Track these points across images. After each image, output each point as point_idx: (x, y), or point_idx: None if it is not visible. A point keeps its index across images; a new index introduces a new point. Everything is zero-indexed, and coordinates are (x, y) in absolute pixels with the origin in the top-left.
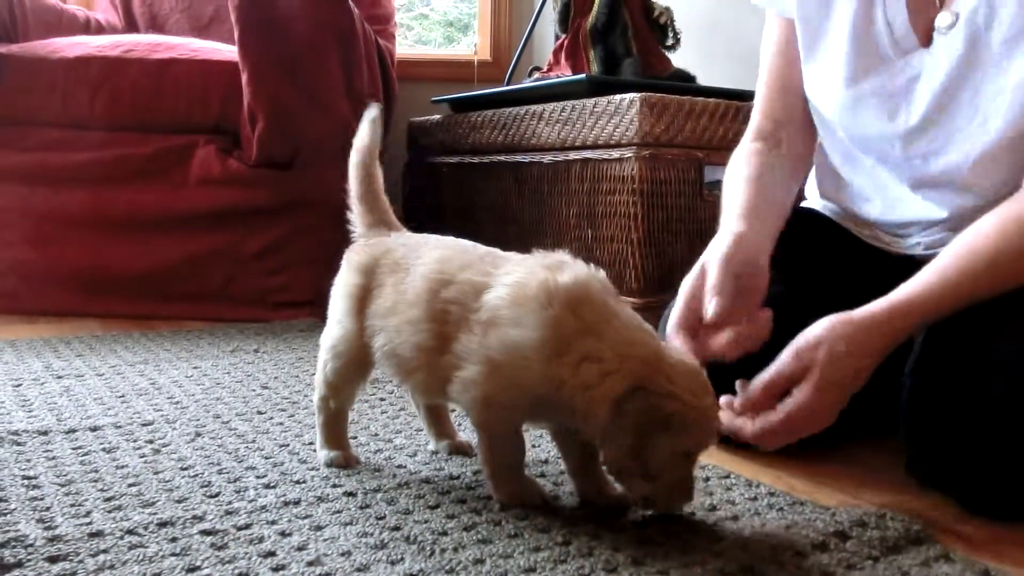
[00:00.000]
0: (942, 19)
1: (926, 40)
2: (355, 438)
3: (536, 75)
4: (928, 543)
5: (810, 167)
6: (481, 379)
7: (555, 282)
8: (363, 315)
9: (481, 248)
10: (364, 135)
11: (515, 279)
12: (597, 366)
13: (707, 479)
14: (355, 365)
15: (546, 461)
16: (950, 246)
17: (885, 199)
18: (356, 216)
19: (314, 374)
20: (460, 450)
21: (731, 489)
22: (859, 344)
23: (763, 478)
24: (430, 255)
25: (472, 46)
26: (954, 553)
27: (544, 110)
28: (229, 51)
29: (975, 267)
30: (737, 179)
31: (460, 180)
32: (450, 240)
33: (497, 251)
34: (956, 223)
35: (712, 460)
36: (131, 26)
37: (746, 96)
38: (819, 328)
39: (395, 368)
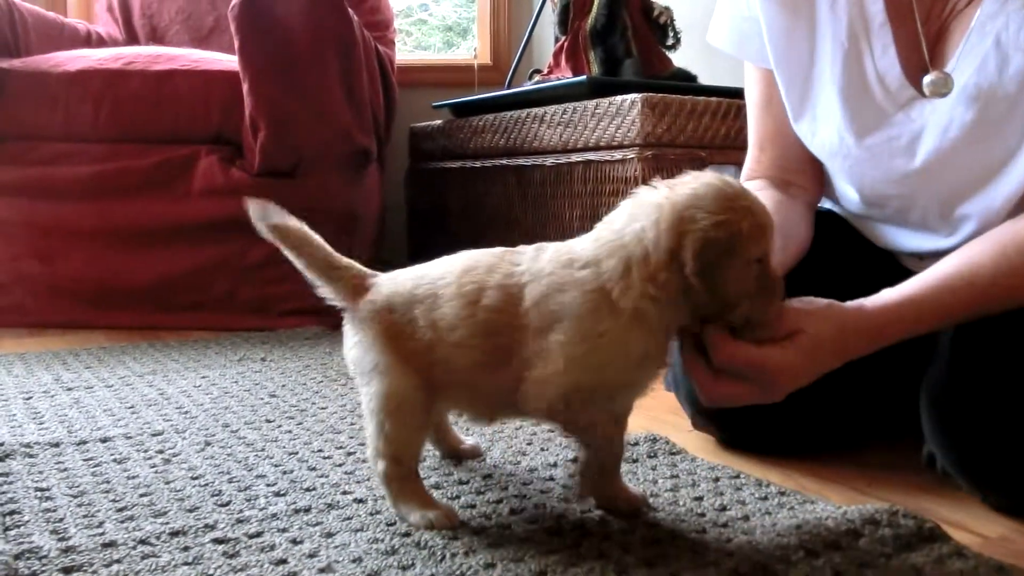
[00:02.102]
0: (930, 78)
1: (923, 89)
2: (364, 444)
3: (536, 78)
4: (941, 540)
5: (819, 198)
6: (575, 371)
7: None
8: (406, 357)
9: (485, 251)
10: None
11: (552, 265)
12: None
13: (717, 479)
14: (418, 412)
15: (555, 464)
16: (948, 260)
17: (900, 235)
18: (332, 289)
19: (321, 382)
20: (475, 452)
21: (741, 489)
22: (842, 336)
23: (773, 477)
24: (447, 270)
25: (472, 50)
26: (967, 550)
27: (545, 113)
28: (230, 61)
29: (971, 284)
30: None
31: (462, 185)
32: (445, 258)
33: (502, 249)
34: None
35: (722, 460)
36: (132, 38)
37: None
38: (811, 304)
39: (458, 397)
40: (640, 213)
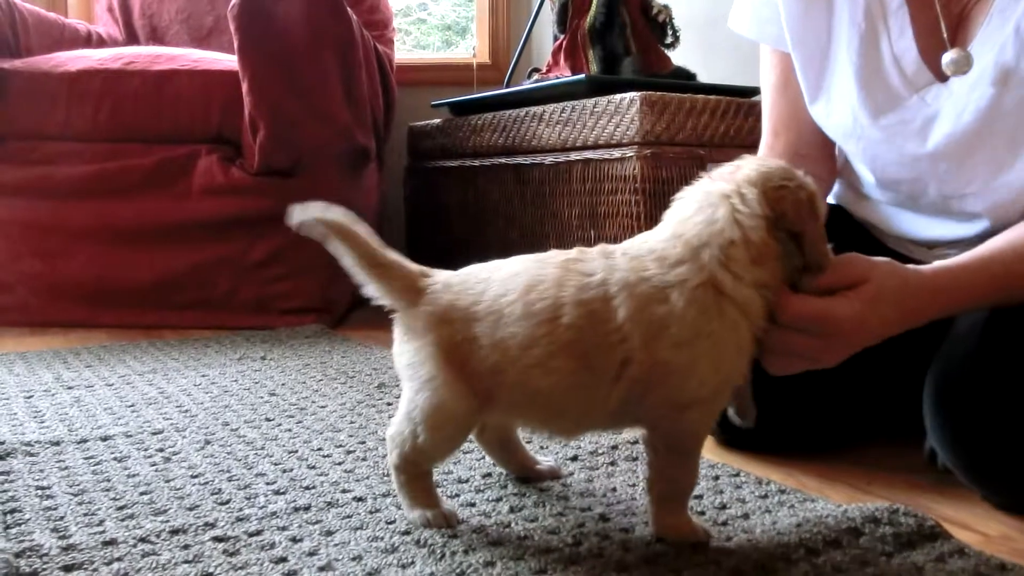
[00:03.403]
0: (949, 57)
1: (940, 73)
2: (363, 443)
3: (535, 76)
4: (942, 539)
5: (831, 187)
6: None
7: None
8: (464, 376)
9: (540, 259)
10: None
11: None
12: (744, 249)
13: (717, 477)
14: (460, 433)
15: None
16: (1001, 236)
17: (913, 221)
18: (380, 288)
19: (320, 381)
20: (554, 474)
21: (741, 487)
22: (904, 291)
23: (773, 476)
24: (506, 287)
25: (471, 49)
26: (969, 548)
27: (544, 111)
28: (229, 61)
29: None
30: None
31: (461, 183)
32: (496, 268)
33: (561, 255)
34: (988, 238)
35: (721, 459)
36: (132, 39)
37: (747, 92)
38: (875, 258)
39: (535, 417)
40: (711, 200)
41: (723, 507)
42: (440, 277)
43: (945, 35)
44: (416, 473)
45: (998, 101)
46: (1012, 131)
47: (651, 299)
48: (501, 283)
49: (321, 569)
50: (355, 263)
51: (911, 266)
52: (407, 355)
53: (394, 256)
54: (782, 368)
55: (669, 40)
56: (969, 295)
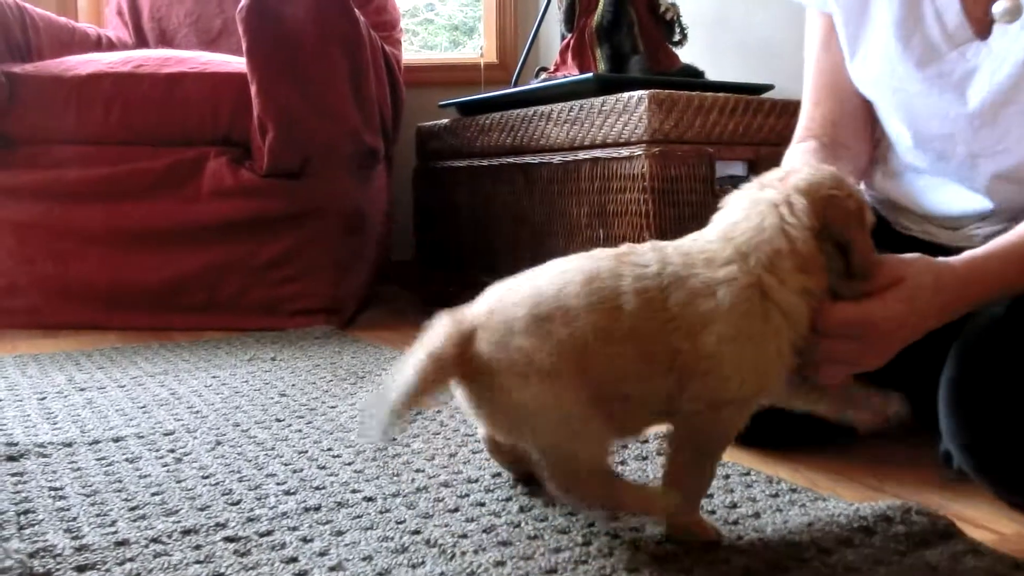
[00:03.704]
0: (1001, 6)
1: (981, 30)
2: (372, 442)
3: (543, 76)
4: (955, 538)
5: (867, 165)
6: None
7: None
8: (583, 380)
9: (589, 257)
10: None
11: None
12: (790, 260)
13: (727, 476)
14: (593, 423)
15: None
16: None
17: (939, 192)
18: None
19: (330, 381)
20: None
21: (752, 486)
22: (939, 285)
23: (784, 474)
24: (567, 286)
25: (478, 49)
26: (983, 547)
27: (552, 110)
28: (238, 63)
29: None
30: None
31: (470, 183)
32: (539, 277)
33: (609, 252)
34: (1016, 213)
35: (732, 458)
36: (141, 42)
37: (756, 90)
38: (906, 256)
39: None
40: (760, 208)
41: (734, 506)
42: (475, 309)
43: None
44: (607, 478)
45: None
46: None
47: (699, 293)
48: (557, 285)
49: (332, 569)
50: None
51: (941, 259)
52: (504, 393)
53: (425, 350)
54: (829, 377)
55: (677, 38)
56: (1000, 282)
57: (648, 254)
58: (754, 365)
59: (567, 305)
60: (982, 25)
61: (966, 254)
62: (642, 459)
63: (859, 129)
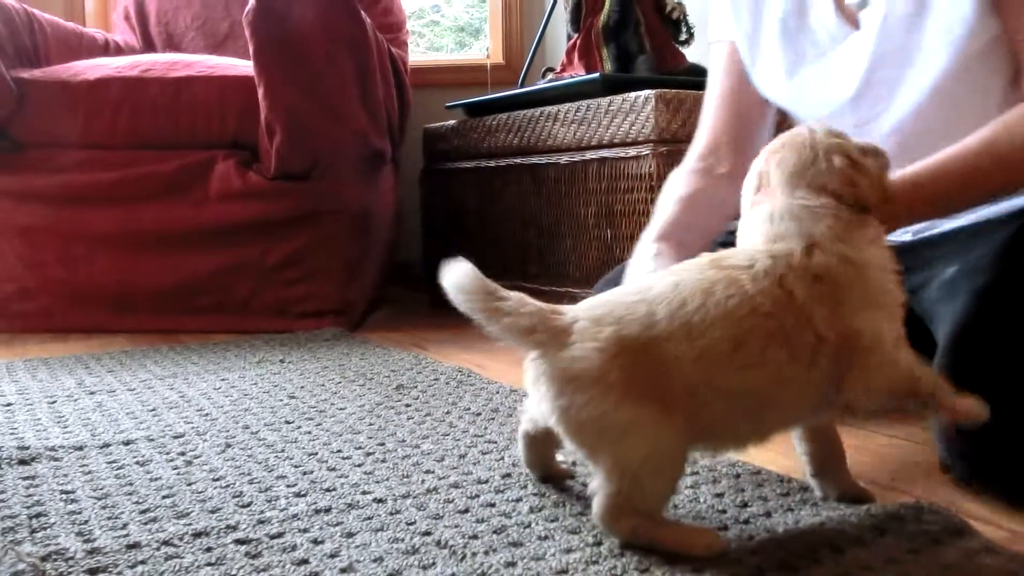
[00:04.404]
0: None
1: (855, 23)
2: (383, 444)
3: (550, 76)
4: (969, 536)
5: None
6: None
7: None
8: (662, 403)
9: (680, 267)
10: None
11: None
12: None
13: (738, 476)
14: (681, 465)
15: (573, 463)
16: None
17: None
18: (506, 330)
19: (339, 383)
20: (569, 474)
21: (762, 485)
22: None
23: (795, 474)
24: (677, 298)
25: (484, 50)
26: (996, 545)
27: (559, 111)
28: (245, 66)
29: (973, 150)
30: (669, 197)
31: (477, 184)
32: (636, 288)
33: (701, 263)
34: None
35: (742, 456)
36: (148, 46)
37: None
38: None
39: (738, 424)
40: (804, 203)
41: (744, 505)
42: (575, 312)
43: None
44: (657, 522)
45: (890, 21)
46: (900, 48)
47: (815, 276)
48: (666, 299)
49: (343, 571)
50: (474, 308)
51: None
52: (586, 409)
53: (515, 295)
54: None
55: (683, 37)
56: (945, 188)
57: (738, 256)
58: (891, 321)
59: (690, 322)
60: (855, 18)
61: (903, 177)
62: None
63: (748, 152)
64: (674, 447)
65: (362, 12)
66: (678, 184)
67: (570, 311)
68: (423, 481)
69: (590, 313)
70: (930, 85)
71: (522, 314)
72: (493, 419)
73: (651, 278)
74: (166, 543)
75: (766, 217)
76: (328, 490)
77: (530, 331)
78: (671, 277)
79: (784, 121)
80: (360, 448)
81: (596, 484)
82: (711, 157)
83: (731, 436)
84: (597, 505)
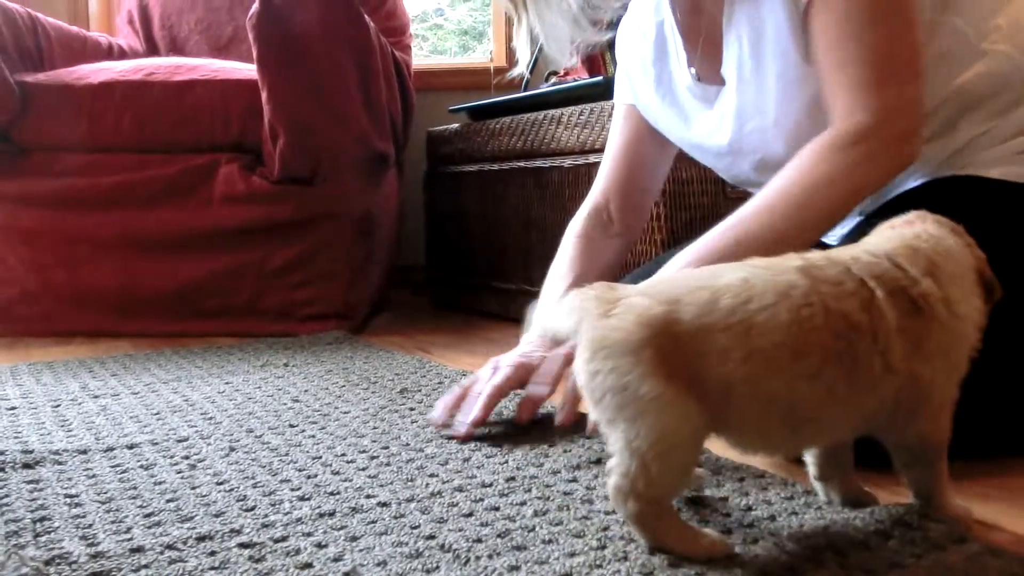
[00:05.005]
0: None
1: (720, 80)
2: (386, 448)
3: (553, 79)
4: (972, 540)
5: (636, 239)
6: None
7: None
8: (695, 394)
9: (760, 263)
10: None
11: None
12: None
13: (742, 479)
14: (692, 455)
15: (577, 467)
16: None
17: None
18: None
19: (343, 386)
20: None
21: (767, 489)
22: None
23: (799, 477)
24: (747, 293)
25: (488, 53)
26: (1000, 549)
27: (562, 114)
28: (248, 70)
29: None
30: (561, 262)
31: (480, 188)
32: (702, 274)
33: (775, 261)
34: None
35: (746, 459)
36: (152, 50)
37: None
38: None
39: (771, 433)
40: (940, 229)
41: (749, 509)
42: (631, 289)
43: (696, 56)
44: (660, 514)
45: (740, 76)
46: (756, 101)
47: (909, 311)
48: (732, 291)
49: (346, 575)
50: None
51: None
52: (612, 376)
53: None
54: None
55: None
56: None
57: (831, 267)
58: (958, 374)
59: (752, 321)
60: (719, 76)
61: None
62: None
63: (638, 210)
64: (689, 438)
65: (365, 16)
66: (570, 245)
67: (629, 288)
68: (427, 485)
69: (647, 290)
70: (785, 134)
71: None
72: (498, 422)
73: (722, 268)
74: (170, 547)
75: (910, 236)
76: (332, 494)
77: (588, 299)
78: (742, 272)
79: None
80: (364, 452)
81: (612, 459)
82: (604, 214)
83: (758, 441)
84: (609, 481)
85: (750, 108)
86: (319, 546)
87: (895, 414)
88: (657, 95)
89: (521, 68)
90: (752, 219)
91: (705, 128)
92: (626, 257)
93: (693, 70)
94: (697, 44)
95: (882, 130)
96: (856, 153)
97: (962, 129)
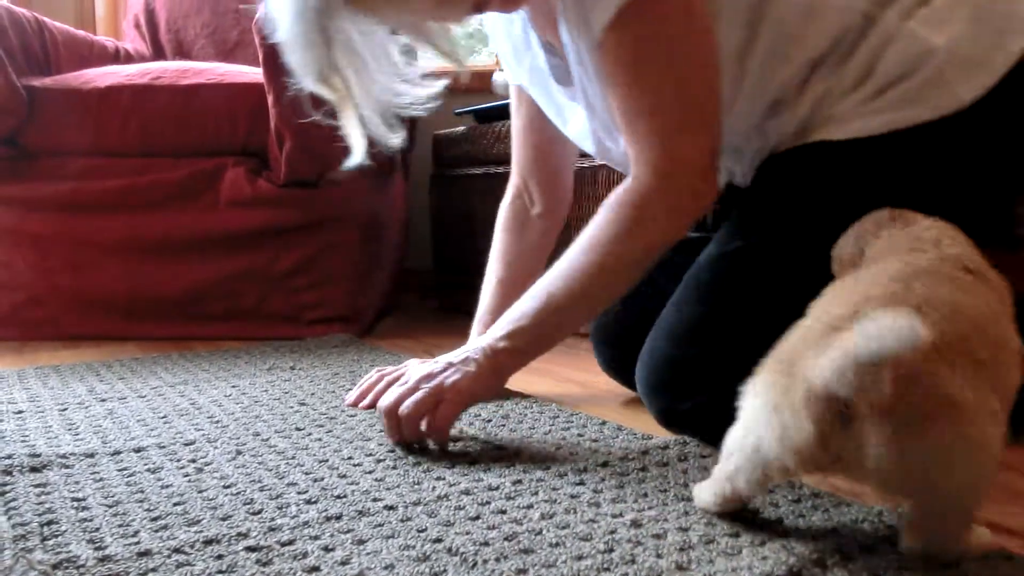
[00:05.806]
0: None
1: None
2: (393, 451)
3: None
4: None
5: (566, 212)
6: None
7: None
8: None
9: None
10: None
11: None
12: None
13: None
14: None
15: (584, 469)
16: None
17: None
18: None
19: (350, 390)
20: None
21: (774, 491)
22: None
23: (806, 479)
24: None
25: (494, 56)
26: (1011, 552)
27: None
28: (255, 74)
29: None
30: (490, 260)
31: (487, 191)
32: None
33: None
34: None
35: None
36: (159, 54)
37: None
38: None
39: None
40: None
41: (756, 512)
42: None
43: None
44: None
45: (587, 100)
46: (605, 123)
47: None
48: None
49: None
50: None
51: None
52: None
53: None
54: None
55: None
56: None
57: (965, 276)
58: None
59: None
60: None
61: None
62: (662, 464)
63: (554, 187)
64: (999, 443)
65: None
66: (500, 238)
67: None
68: (433, 488)
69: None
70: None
71: None
72: (504, 425)
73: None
74: (177, 551)
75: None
76: (339, 497)
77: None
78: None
79: None
80: (371, 455)
81: None
82: (525, 196)
83: None
84: (939, 530)
85: (600, 122)
86: (326, 549)
87: None
88: (532, 85)
89: (359, 158)
90: (559, 281)
91: (574, 131)
92: (558, 234)
93: (552, 70)
94: (551, 47)
95: (672, 185)
96: (649, 210)
97: (807, 93)
